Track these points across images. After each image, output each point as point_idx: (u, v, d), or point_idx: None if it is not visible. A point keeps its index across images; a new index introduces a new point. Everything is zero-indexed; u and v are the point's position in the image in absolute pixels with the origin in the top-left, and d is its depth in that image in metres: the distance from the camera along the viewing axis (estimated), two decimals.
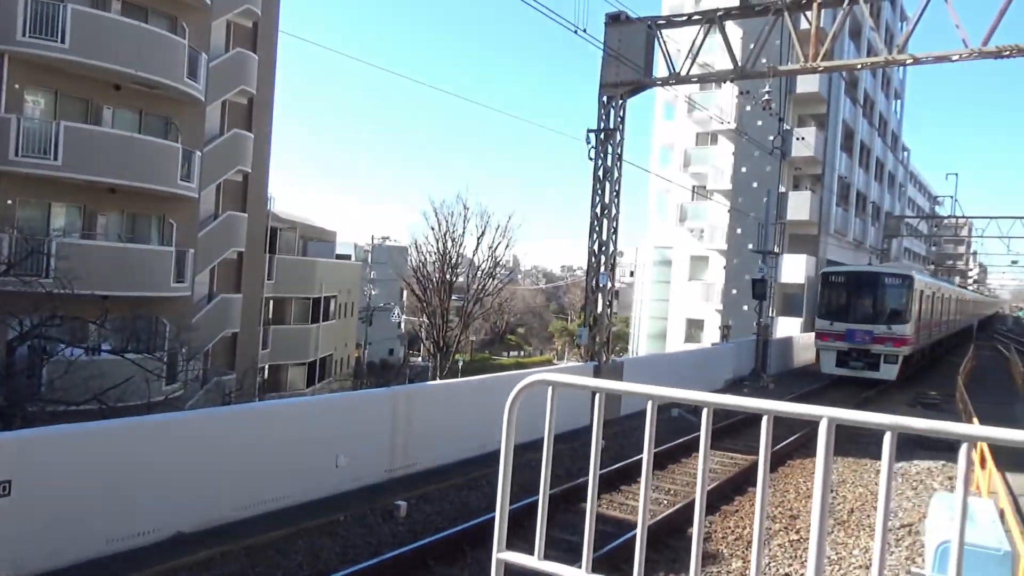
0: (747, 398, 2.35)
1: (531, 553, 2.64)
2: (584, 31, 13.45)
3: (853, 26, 35.60)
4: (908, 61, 14.55)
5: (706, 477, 2.38)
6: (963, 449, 2.12)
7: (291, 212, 38.18)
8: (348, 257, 50.92)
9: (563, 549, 7.48)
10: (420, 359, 60.49)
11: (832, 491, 11.24)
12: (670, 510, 9.50)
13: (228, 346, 26.57)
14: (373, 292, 48.47)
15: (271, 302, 32.03)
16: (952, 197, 54.26)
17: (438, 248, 41.21)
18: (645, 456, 2.44)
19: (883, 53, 14.95)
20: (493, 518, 2.71)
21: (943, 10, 13.22)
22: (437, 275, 41.01)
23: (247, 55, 25.80)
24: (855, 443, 13.06)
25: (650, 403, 2.40)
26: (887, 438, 2.14)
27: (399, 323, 60.64)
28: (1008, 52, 12.72)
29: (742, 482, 11.26)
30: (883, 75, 48.73)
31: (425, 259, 42.15)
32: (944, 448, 12.67)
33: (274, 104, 28.49)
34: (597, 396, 2.55)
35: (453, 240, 41.18)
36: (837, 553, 8.54)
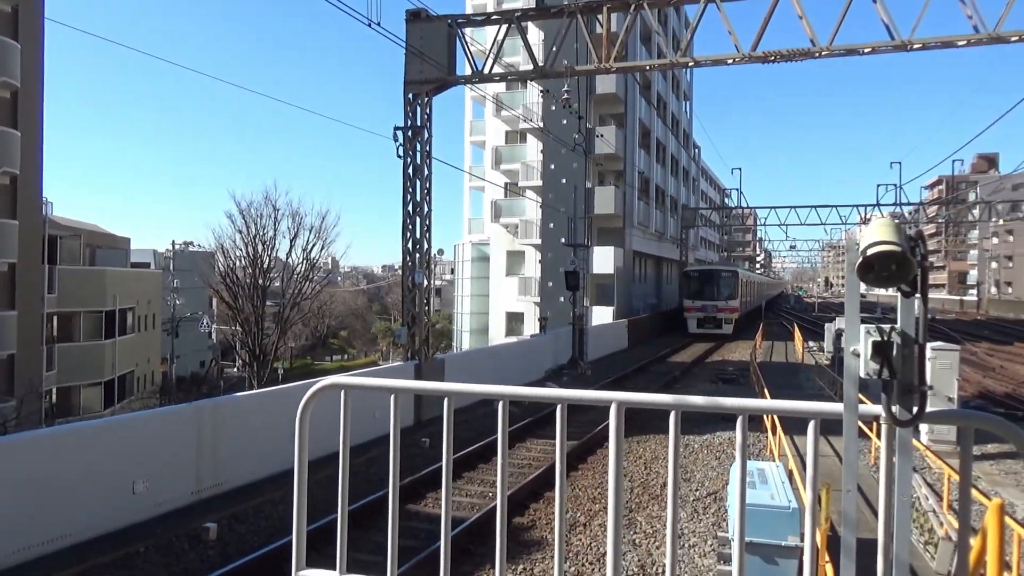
0: (541, 388, 2.35)
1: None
2: (378, 24, 13.17)
3: (644, 32, 38.11)
4: (690, 63, 15.78)
5: (506, 470, 2.34)
6: (739, 421, 2.25)
7: (75, 218, 34.49)
8: (146, 265, 47.00)
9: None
10: (235, 369, 57.10)
11: (646, 467, 11.93)
12: (494, 502, 9.59)
13: (3, 369, 23.51)
14: (178, 301, 44.94)
15: (55, 318, 28.79)
16: (738, 189, 59.97)
17: (248, 252, 39.00)
18: (445, 458, 2.36)
19: (669, 56, 16.08)
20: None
21: (721, 19, 14.47)
22: (249, 280, 38.78)
23: (6, 43, 22.83)
24: (668, 421, 13.86)
25: (447, 400, 2.33)
26: (672, 416, 2.23)
27: (209, 333, 56.85)
28: (773, 57, 14.16)
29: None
30: (673, 78, 52.68)
31: (234, 264, 39.72)
32: None
33: (43, 99, 25.47)
34: (394, 398, 2.44)
35: (264, 243, 39.14)
36: (652, 526, 9.04)
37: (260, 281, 38.92)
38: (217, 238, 40.87)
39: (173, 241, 51.04)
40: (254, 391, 13.25)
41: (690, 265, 46.95)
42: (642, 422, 14.15)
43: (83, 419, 25.82)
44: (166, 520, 9.03)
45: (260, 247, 39.11)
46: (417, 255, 16.68)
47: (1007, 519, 5.56)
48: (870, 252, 1.93)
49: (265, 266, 39.32)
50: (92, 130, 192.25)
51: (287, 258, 40.76)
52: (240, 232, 39.13)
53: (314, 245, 40.59)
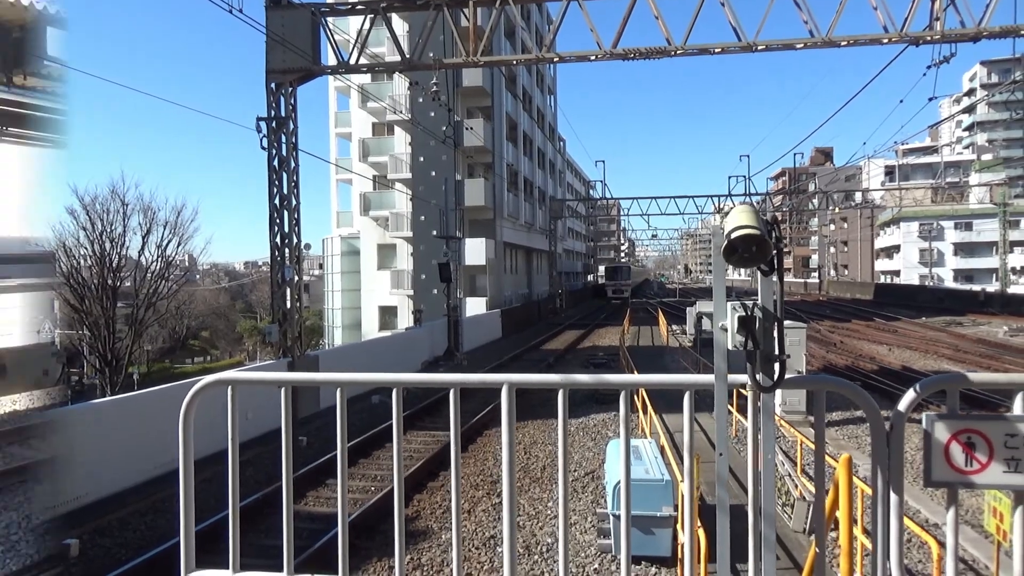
0: (436, 374, 2.41)
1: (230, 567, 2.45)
2: (240, 11, 12.62)
3: (509, 27, 38.62)
4: (555, 59, 16.20)
5: (401, 458, 2.39)
6: (622, 395, 2.41)
7: None
8: None
9: (275, 555, 7.09)
10: (82, 377, 52.93)
11: (526, 452, 12.21)
12: (376, 497, 9.53)
13: None
14: None
15: None
16: (602, 181, 61.80)
17: (94, 250, 36.14)
18: (339, 446, 2.38)
19: (534, 51, 16.42)
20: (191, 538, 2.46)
21: (583, 17, 14.94)
22: (96, 281, 35.97)
23: None
24: (545, 407, 14.22)
25: (339, 390, 2.34)
26: (560, 394, 2.35)
27: (52, 339, 52.35)
28: (632, 55, 14.80)
29: (445, 457, 11.70)
30: (537, 73, 53.69)
31: (79, 264, 36.70)
32: (614, 401, 14.45)
33: None
34: (284, 390, 2.43)
35: (112, 240, 36.40)
36: (535, 508, 9.29)
37: (109, 281, 36.22)
38: (58, 236, 37.62)
39: None
40: (110, 399, 12.39)
41: (607, 263, 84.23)
42: (521, 409, 14.47)
43: None
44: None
45: (108, 245, 36.37)
46: (287, 250, 16.17)
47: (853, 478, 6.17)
48: (734, 236, 2.13)
49: (115, 265, 36.63)
50: None
51: (139, 256, 38.17)
52: (84, 229, 36.19)
53: (169, 242, 38.25)
